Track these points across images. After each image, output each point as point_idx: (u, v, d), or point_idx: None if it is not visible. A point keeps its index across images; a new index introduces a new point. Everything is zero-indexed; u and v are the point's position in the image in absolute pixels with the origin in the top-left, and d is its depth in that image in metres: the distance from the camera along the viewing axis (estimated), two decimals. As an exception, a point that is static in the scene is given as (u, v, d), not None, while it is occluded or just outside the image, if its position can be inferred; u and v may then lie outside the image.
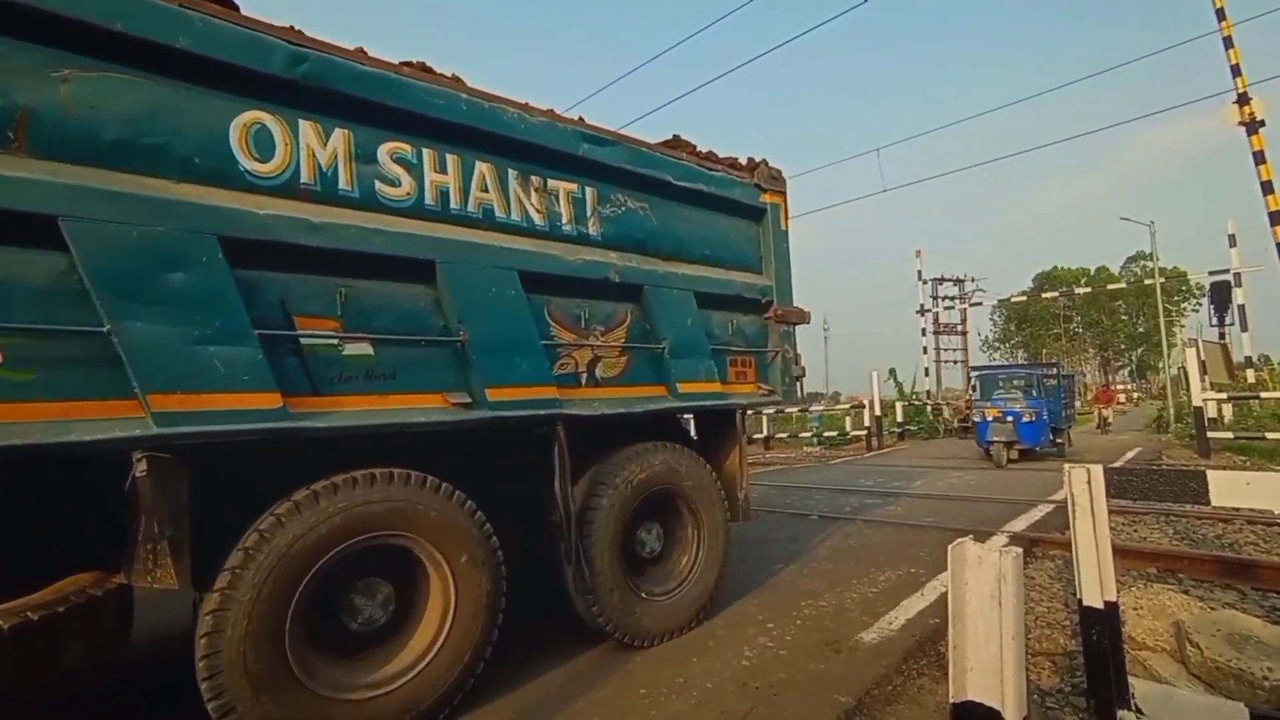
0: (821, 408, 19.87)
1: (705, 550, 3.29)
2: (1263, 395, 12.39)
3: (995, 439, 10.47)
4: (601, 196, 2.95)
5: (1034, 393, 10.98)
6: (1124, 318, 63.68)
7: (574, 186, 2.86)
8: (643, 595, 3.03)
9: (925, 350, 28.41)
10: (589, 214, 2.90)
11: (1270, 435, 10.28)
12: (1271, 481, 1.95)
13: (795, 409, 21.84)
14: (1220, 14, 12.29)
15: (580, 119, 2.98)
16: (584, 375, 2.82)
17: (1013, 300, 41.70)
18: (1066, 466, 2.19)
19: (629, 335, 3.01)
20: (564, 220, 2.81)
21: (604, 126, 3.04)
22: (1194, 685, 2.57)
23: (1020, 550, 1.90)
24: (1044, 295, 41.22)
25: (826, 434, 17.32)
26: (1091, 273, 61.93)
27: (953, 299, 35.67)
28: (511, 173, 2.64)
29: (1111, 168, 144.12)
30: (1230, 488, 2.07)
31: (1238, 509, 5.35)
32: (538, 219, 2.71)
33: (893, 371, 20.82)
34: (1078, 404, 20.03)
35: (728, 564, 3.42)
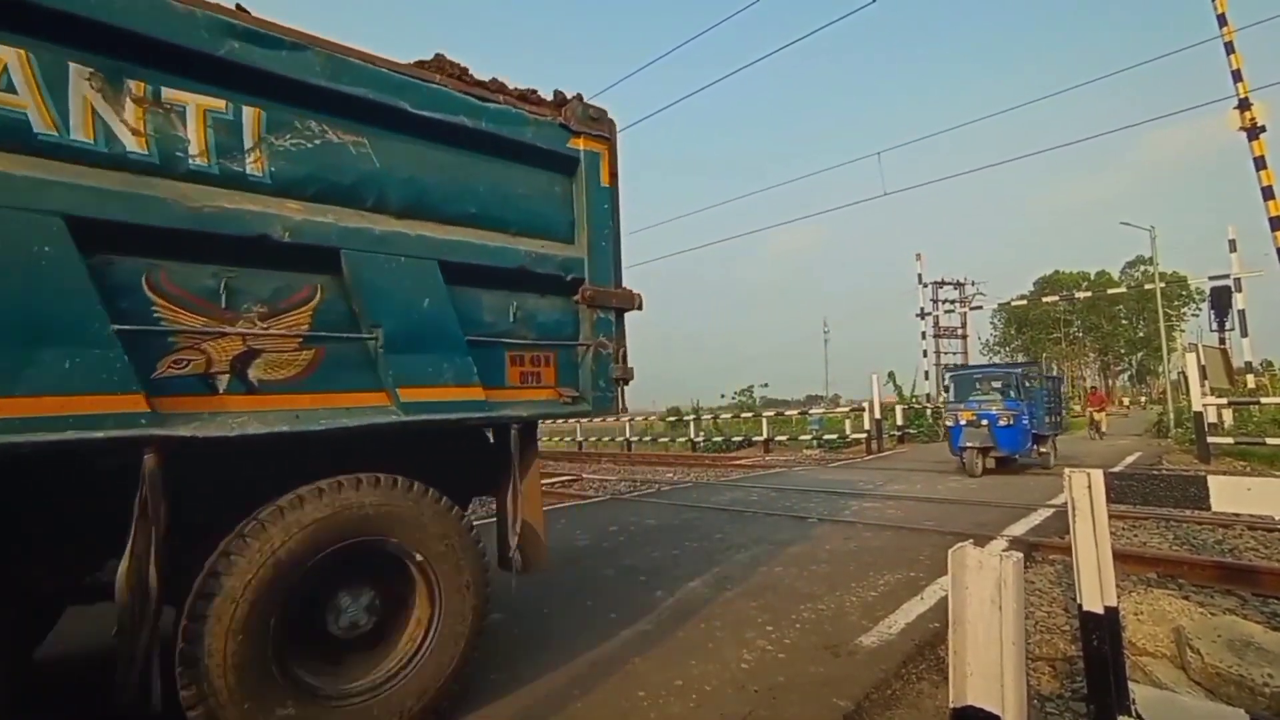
0: (821, 410, 19.87)
1: (443, 622, 2.36)
2: (1263, 400, 12.42)
3: (968, 444, 9.52)
4: (274, 122, 2.09)
5: (1013, 394, 9.86)
6: (1124, 322, 63.81)
7: (219, 103, 1.99)
8: (323, 696, 2.12)
9: (925, 354, 28.42)
10: (248, 145, 2.04)
11: (1270, 440, 10.28)
12: (1272, 487, 1.95)
13: (795, 411, 21.86)
14: (1221, 19, 12.32)
15: (238, 6, 2.11)
16: (223, 378, 1.97)
17: (1013, 304, 41.75)
18: (1067, 471, 2.19)
19: (316, 320, 2.14)
20: (193, 150, 1.94)
21: (282, 24, 2.14)
22: (1194, 691, 2.57)
23: (1021, 555, 1.90)
24: (1044, 299, 41.23)
25: (826, 437, 17.36)
26: (1092, 277, 62.10)
27: (953, 302, 35.71)
28: (77, 70, 1.77)
29: (1113, 172, 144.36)
30: (1231, 493, 2.07)
31: (1238, 514, 5.34)
32: (133, 144, 1.85)
33: (892, 375, 20.84)
34: (1075, 408, 19.53)
35: (480, 633, 2.48)
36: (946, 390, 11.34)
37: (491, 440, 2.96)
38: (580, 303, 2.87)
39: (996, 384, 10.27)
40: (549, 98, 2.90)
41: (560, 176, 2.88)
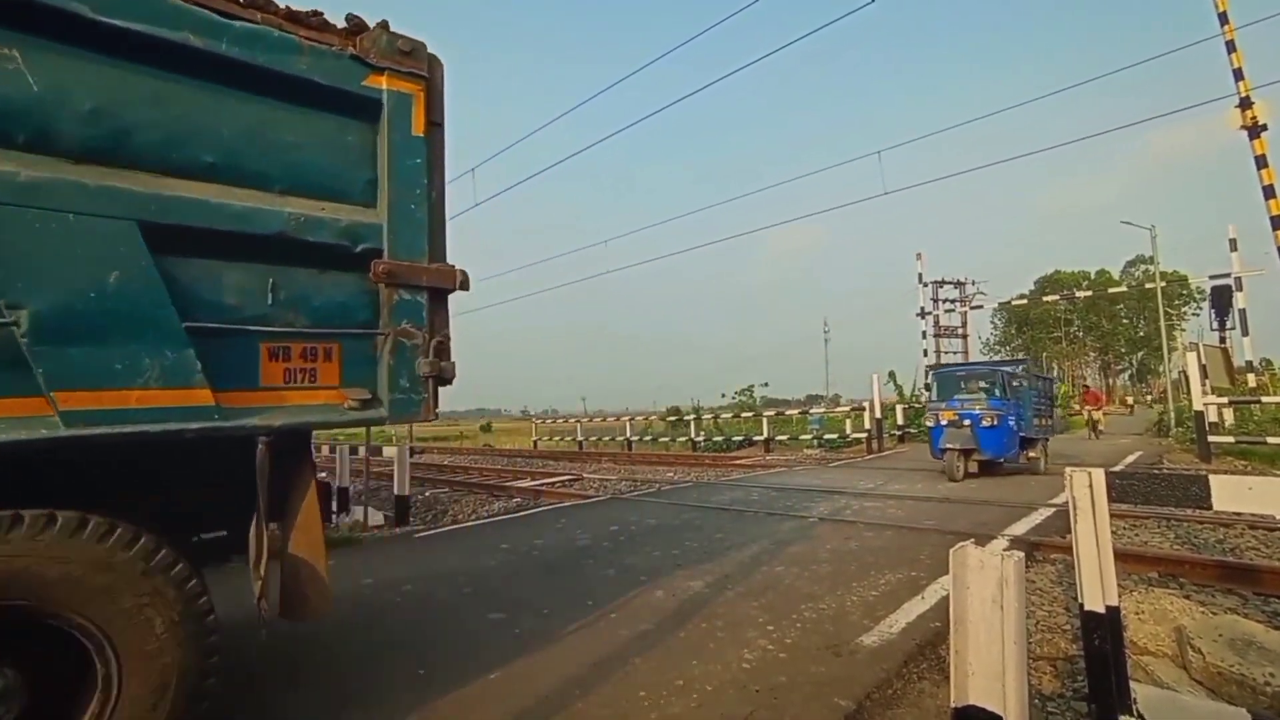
0: (821, 410, 19.87)
1: (126, 703, 1.78)
2: (1264, 399, 12.42)
3: (948, 445, 8.97)
4: None
5: (998, 393, 9.21)
6: (1125, 321, 63.87)
7: None
8: None
9: (925, 353, 28.40)
10: None
11: (1271, 440, 10.29)
12: (1273, 486, 1.95)
13: (795, 411, 21.85)
14: (1223, 18, 12.31)
15: None
16: None
17: (1013, 303, 41.73)
18: (1068, 470, 2.19)
19: None
20: None
21: None
22: (1196, 690, 2.57)
23: (1022, 554, 1.90)
24: (1045, 298, 41.23)
25: (826, 436, 17.35)
26: (1092, 276, 62.14)
27: (953, 302, 35.70)
28: None
29: (1115, 171, 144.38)
30: (1232, 492, 2.07)
31: (1239, 513, 5.34)
32: None
33: (892, 374, 20.83)
34: (1076, 407, 19.06)
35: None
36: (928, 389, 10.34)
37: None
38: (376, 281, 2.26)
39: (982, 383, 9.62)
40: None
41: (355, 123, 2.27)
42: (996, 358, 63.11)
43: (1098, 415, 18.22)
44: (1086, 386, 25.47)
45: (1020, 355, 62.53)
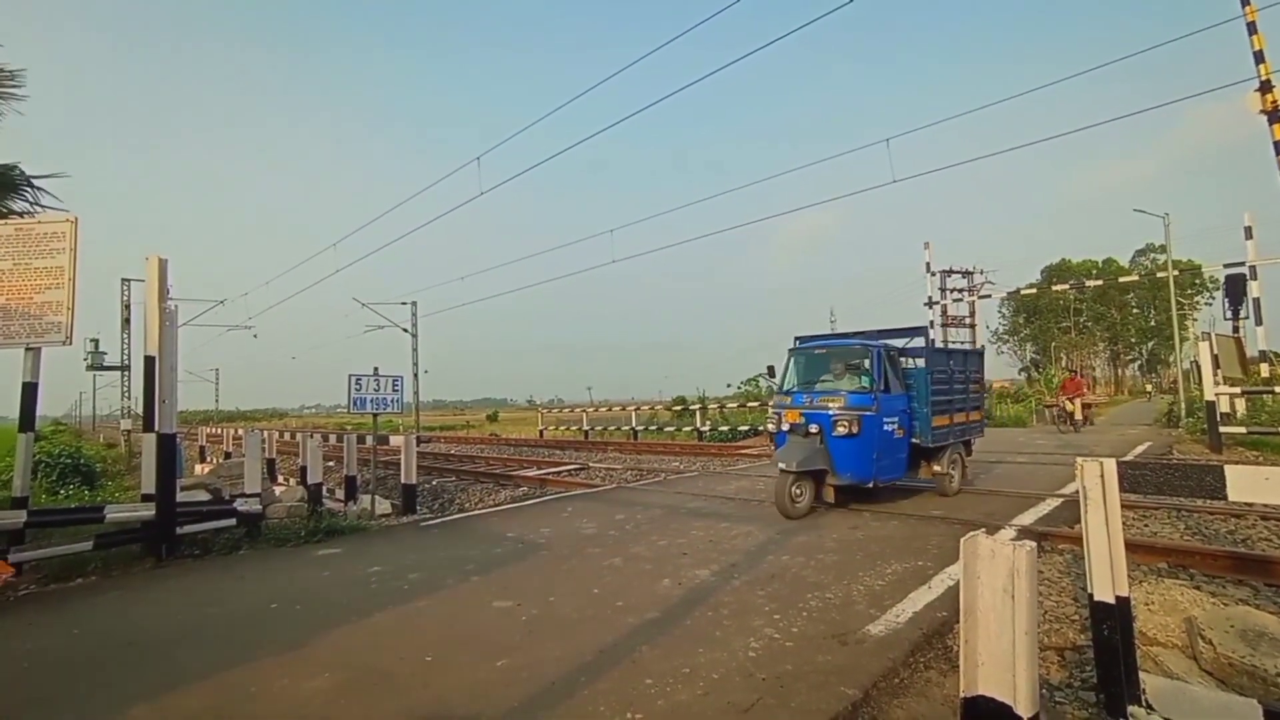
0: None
1: None
2: (1277, 390, 12.27)
3: (781, 465, 5.80)
4: None
5: (866, 382, 5.92)
6: (1135, 311, 63.24)
7: None
8: None
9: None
10: None
11: (1284, 430, 10.16)
12: (1292, 477, 1.92)
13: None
14: (1243, -1, 12.01)
15: None
16: None
17: (1022, 293, 41.33)
18: (1079, 460, 2.16)
19: None
20: None
21: None
22: (1206, 681, 2.55)
23: (1034, 544, 1.88)
24: (1054, 288, 40.83)
25: (832, 426, 17.27)
26: (1100, 265, 61.50)
27: (961, 291, 35.40)
28: None
29: (1133, 159, 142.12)
30: (1248, 483, 2.04)
31: (1250, 504, 5.30)
32: None
33: (900, 364, 20.59)
34: (987, 405, 14.97)
35: None
36: (770, 375, 7.16)
37: None
38: None
39: (852, 362, 6.14)
40: None
41: None
42: (1005, 348, 62.05)
43: (1072, 407, 15.97)
44: (1072, 373, 20.40)
45: (1029, 345, 61.72)
